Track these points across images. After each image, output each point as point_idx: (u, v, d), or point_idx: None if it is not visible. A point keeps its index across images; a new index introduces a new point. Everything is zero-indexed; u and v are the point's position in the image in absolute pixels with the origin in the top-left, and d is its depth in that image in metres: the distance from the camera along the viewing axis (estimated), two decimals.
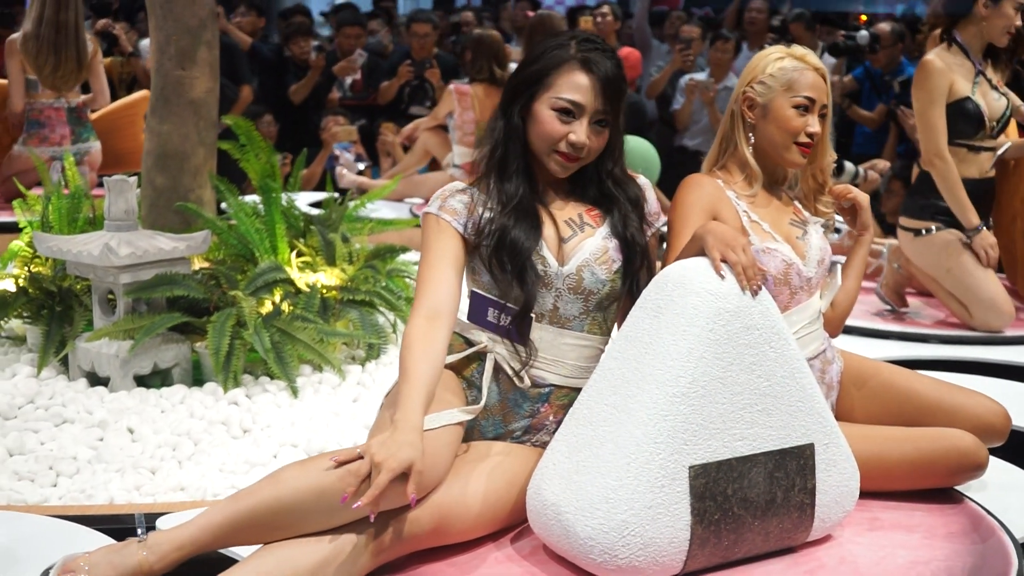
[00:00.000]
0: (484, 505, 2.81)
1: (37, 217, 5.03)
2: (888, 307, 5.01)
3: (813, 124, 3.25)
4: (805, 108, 3.25)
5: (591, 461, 2.69)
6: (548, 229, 3.00)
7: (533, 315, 2.96)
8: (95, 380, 4.52)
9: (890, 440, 3.16)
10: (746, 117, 3.32)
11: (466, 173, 7.26)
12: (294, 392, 4.35)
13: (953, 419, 3.25)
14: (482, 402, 2.96)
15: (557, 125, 2.94)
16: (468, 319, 3.05)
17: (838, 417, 3.35)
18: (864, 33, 8.78)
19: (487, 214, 2.97)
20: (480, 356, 3.02)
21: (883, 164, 6.37)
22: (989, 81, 4.91)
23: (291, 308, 4.62)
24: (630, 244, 3.02)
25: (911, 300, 5.18)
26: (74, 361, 4.55)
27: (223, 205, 5.15)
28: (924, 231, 4.84)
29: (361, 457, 2.60)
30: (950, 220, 4.87)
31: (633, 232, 3.03)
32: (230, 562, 2.70)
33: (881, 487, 3.17)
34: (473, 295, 3.04)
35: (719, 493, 2.70)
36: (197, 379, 4.60)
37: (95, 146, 7.09)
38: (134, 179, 4.70)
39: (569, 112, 2.94)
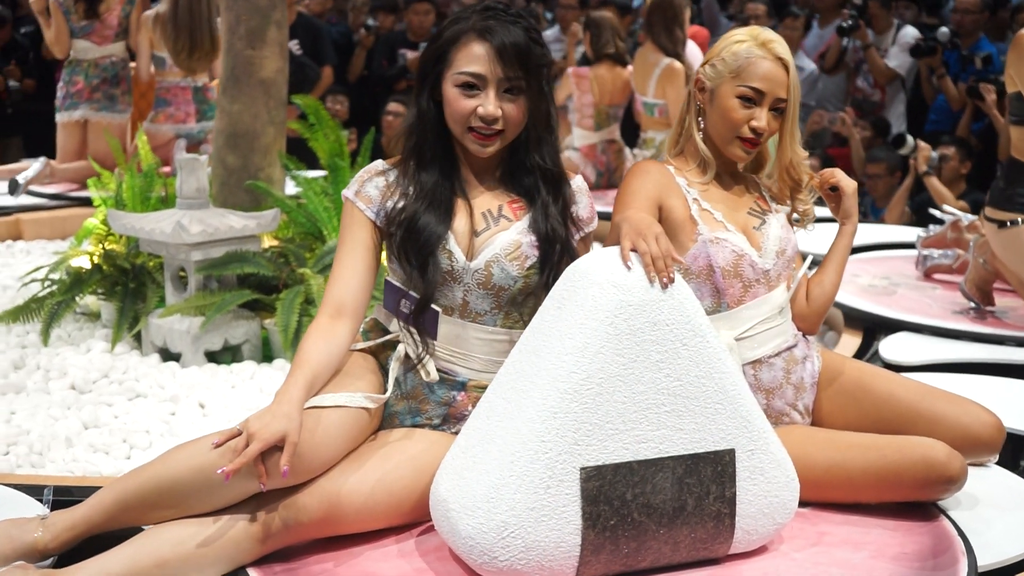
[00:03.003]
0: (384, 494, 2.70)
1: (111, 194, 5.15)
2: (972, 305, 4.63)
3: (759, 119, 3.01)
4: (751, 100, 3.01)
5: (480, 457, 2.57)
6: (460, 221, 2.86)
7: (440, 308, 2.84)
8: (167, 355, 4.62)
9: (854, 447, 2.90)
10: (697, 100, 3.11)
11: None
12: None
13: (935, 428, 2.96)
14: (388, 392, 2.86)
15: (464, 101, 2.80)
16: (384, 307, 2.96)
17: (814, 421, 3.12)
18: (944, 30, 8.51)
19: (401, 203, 2.86)
20: (395, 344, 2.93)
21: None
22: None
23: None
24: (549, 239, 2.85)
25: (1003, 299, 4.75)
26: (147, 337, 4.65)
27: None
28: (1009, 223, 4.43)
29: (240, 433, 2.57)
30: None
31: (553, 225, 2.86)
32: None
33: (845, 498, 2.93)
34: (387, 284, 2.94)
35: (616, 497, 2.53)
36: (266, 355, 4.66)
37: None
38: (205, 158, 4.78)
39: (472, 85, 2.80)
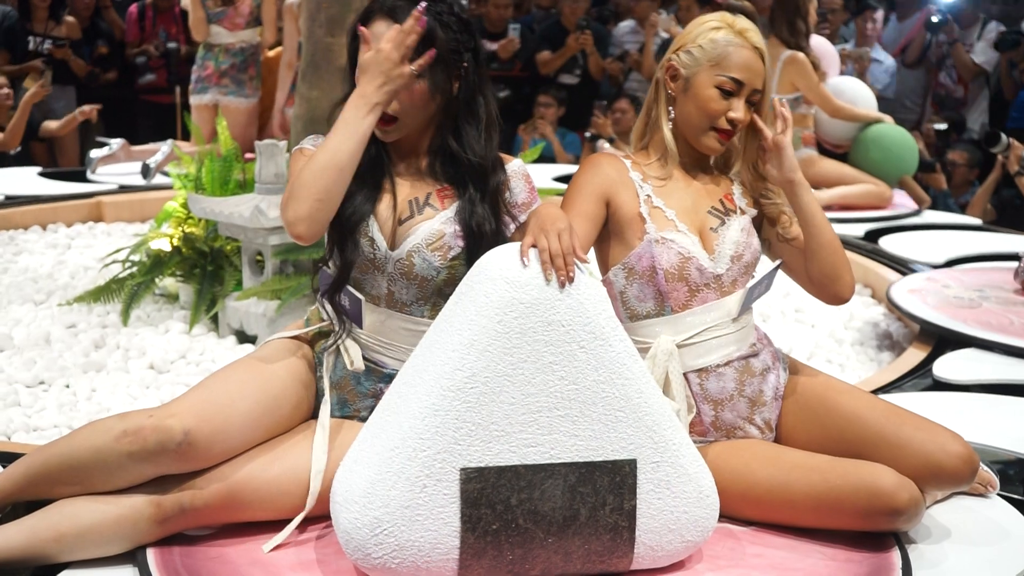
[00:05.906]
0: (292, 484, 2.65)
1: (185, 171, 5.23)
2: None
3: (737, 110, 2.83)
4: (729, 91, 2.83)
5: (365, 451, 2.48)
6: (384, 207, 2.75)
7: (365, 298, 2.76)
8: (243, 338, 4.67)
9: (799, 468, 2.68)
10: (668, 88, 2.93)
11: None
12: None
13: (898, 453, 2.69)
14: (326, 391, 2.80)
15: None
16: (320, 293, 2.89)
17: (778, 438, 2.91)
18: None
19: None
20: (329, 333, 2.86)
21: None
22: None
23: None
24: (473, 233, 2.72)
25: None
26: (223, 319, 4.71)
27: None
28: None
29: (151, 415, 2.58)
30: None
31: (479, 221, 2.72)
32: None
33: (788, 520, 2.70)
34: (320, 270, 2.87)
35: (499, 501, 2.40)
36: None
37: None
38: (284, 143, 4.80)
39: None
